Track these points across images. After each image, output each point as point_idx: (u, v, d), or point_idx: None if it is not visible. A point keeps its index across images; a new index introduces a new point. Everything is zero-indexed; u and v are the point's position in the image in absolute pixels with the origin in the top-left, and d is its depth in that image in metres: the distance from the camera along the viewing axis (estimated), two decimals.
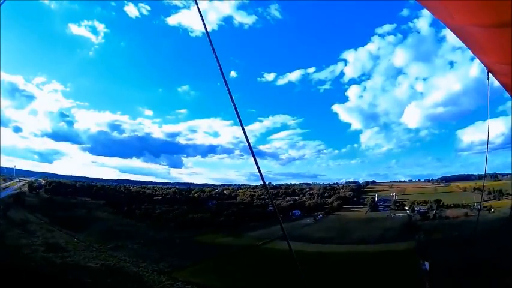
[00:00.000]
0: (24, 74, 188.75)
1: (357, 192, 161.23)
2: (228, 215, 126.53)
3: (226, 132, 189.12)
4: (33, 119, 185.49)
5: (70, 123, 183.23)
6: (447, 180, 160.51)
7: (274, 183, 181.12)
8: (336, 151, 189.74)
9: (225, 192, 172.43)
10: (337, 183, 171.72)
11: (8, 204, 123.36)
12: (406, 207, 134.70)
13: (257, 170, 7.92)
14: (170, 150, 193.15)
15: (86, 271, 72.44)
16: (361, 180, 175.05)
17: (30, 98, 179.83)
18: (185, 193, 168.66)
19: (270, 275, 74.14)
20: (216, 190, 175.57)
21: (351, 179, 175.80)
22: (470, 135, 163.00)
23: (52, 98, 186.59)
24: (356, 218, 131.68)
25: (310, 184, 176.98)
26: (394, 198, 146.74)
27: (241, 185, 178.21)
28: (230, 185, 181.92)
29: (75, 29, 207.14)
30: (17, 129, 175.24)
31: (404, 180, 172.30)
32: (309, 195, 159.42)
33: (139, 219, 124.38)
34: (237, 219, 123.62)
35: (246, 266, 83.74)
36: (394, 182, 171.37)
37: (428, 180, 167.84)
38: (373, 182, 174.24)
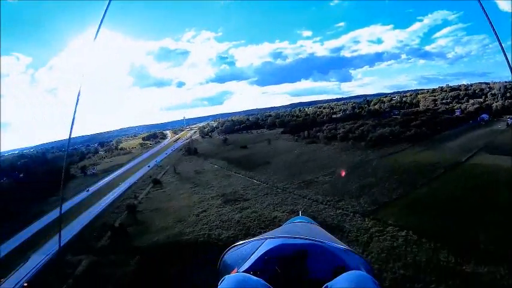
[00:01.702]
0: (171, 36, 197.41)
1: None
2: (418, 126, 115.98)
3: (389, 37, 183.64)
4: (194, 70, 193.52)
5: (231, 64, 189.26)
6: None
7: (445, 84, 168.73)
8: (503, 44, 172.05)
9: (404, 99, 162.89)
10: None
11: (178, 156, 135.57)
12: None
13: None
14: (337, 65, 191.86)
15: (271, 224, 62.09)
16: None
17: (185, 53, 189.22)
18: (364, 106, 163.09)
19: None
20: (394, 99, 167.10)
21: None
22: None
23: (207, 46, 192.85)
24: None
25: (489, 83, 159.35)
26: None
27: (416, 90, 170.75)
28: (403, 91, 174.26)
29: None
30: (180, 84, 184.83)
31: None
32: (491, 96, 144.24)
33: (325, 143, 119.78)
34: (428, 129, 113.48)
35: (466, 194, 62.83)
36: None
37: None
38: None
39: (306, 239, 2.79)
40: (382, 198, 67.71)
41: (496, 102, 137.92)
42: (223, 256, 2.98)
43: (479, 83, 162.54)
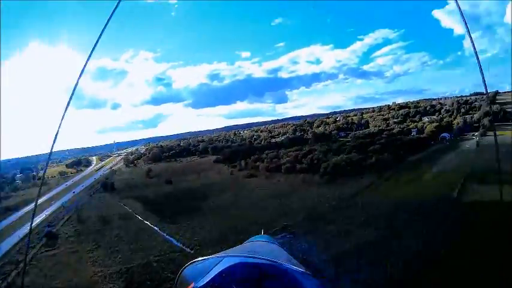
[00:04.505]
0: (110, 55, 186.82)
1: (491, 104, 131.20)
2: (378, 151, 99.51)
3: (328, 57, 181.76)
4: (131, 92, 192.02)
5: (168, 85, 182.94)
6: None
7: (381, 103, 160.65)
8: (441, 61, 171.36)
9: (350, 118, 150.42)
10: (461, 96, 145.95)
11: (90, 194, 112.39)
12: None
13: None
14: (273, 87, 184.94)
15: None
16: (467, 92, 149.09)
17: (123, 73, 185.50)
18: (306, 128, 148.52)
19: None
20: (338, 119, 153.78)
21: (456, 91, 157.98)
22: None
23: (144, 67, 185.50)
24: None
25: (438, 99, 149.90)
26: None
27: (353, 109, 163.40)
28: (340, 111, 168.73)
29: None
30: (116, 106, 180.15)
31: None
32: (445, 113, 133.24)
33: (266, 176, 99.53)
34: (391, 155, 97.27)
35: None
36: None
37: None
38: (497, 92, 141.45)
39: (265, 259, 2.92)
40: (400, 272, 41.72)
41: (454, 119, 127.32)
42: (182, 271, 3.12)
43: (426, 99, 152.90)
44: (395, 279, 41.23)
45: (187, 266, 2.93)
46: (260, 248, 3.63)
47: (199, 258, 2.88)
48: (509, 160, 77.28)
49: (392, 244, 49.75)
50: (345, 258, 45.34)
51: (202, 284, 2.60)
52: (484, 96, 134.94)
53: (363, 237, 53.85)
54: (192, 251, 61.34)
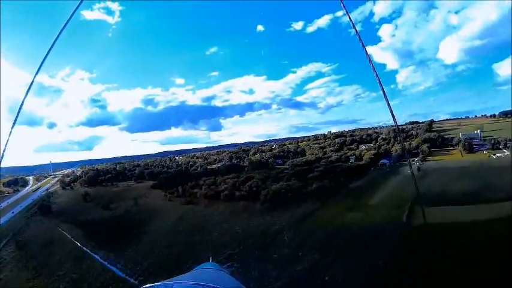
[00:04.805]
0: (47, 72, 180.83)
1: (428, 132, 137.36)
2: (317, 179, 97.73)
3: (261, 87, 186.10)
4: (66, 111, 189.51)
5: (103, 107, 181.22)
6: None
7: (315, 133, 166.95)
8: (374, 94, 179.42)
9: (286, 146, 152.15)
10: (397, 125, 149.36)
11: (28, 216, 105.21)
12: (501, 146, 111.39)
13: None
14: (207, 115, 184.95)
15: None
16: (402, 121, 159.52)
17: (59, 92, 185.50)
18: (243, 155, 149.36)
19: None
20: (274, 148, 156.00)
21: (390, 121, 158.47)
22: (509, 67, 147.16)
23: (80, 87, 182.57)
24: (463, 163, 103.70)
25: (373, 128, 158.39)
26: (479, 136, 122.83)
27: (287, 138, 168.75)
28: (274, 140, 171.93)
29: (88, 15, 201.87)
30: (52, 125, 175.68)
31: (461, 117, 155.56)
32: (382, 141, 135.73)
33: (205, 204, 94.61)
34: (331, 182, 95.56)
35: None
36: (454, 119, 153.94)
37: (494, 116, 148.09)
38: (432, 121, 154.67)
39: (216, 287, 2.99)
40: None
41: (392, 146, 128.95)
42: None
43: (361, 128, 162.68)
44: None
45: None
46: (209, 275, 3.63)
47: (149, 285, 2.83)
48: (455, 182, 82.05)
49: (343, 268, 48.75)
50: (295, 283, 46.03)
51: None
52: (421, 125, 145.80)
53: (311, 262, 52.48)
54: (136, 282, 58.32)
